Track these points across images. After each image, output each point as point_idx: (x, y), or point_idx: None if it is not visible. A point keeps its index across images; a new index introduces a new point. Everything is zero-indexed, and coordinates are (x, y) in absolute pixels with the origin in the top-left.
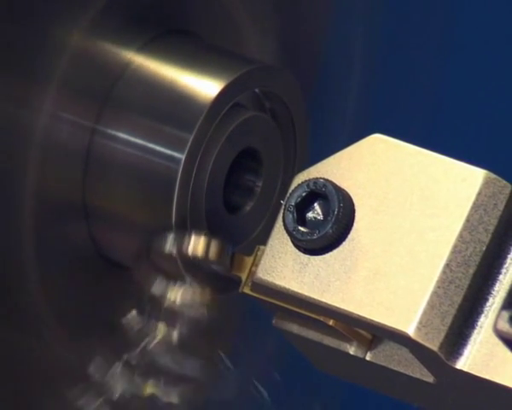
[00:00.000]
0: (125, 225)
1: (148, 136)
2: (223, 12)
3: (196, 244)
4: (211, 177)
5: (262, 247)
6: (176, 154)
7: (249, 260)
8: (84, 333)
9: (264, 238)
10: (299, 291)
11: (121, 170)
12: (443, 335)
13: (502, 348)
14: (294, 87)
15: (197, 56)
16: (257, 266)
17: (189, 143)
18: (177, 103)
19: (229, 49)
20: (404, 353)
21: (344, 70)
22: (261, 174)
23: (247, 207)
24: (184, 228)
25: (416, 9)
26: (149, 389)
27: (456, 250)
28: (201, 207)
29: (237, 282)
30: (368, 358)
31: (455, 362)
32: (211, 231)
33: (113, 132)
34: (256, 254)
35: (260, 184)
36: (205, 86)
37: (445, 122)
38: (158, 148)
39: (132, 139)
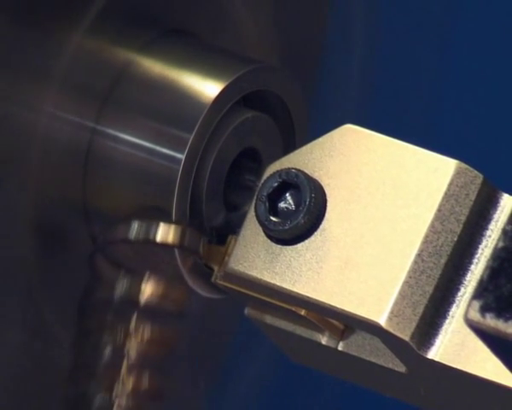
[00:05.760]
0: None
1: (148, 136)
2: (223, 12)
3: (166, 232)
4: (211, 177)
5: (234, 237)
6: (176, 154)
7: (222, 249)
8: None
9: None
10: (271, 281)
11: (121, 170)
12: (414, 325)
13: (473, 337)
14: (294, 87)
15: (197, 56)
16: (229, 256)
17: (189, 143)
18: (177, 103)
19: (229, 49)
20: (376, 343)
21: (344, 70)
22: (261, 174)
23: (247, 207)
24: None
25: (415, 8)
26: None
27: (427, 240)
28: (201, 207)
29: None
30: (340, 348)
31: (426, 352)
32: (211, 231)
33: (113, 132)
34: (229, 244)
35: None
36: (205, 86)
37: (445, 121)
38: (158, 148)
39: (132, 139)
